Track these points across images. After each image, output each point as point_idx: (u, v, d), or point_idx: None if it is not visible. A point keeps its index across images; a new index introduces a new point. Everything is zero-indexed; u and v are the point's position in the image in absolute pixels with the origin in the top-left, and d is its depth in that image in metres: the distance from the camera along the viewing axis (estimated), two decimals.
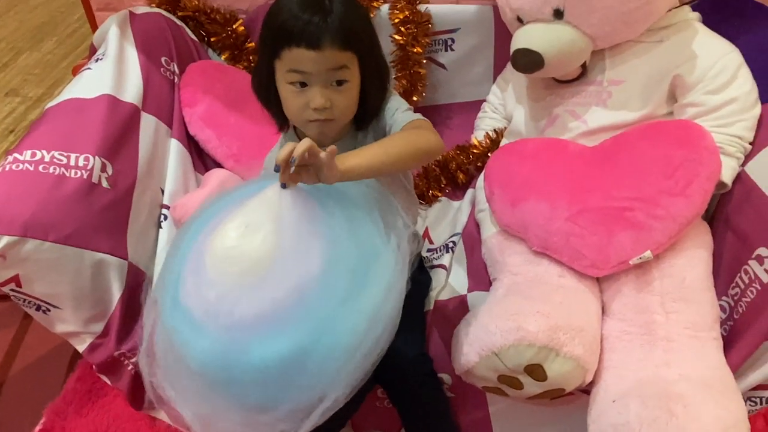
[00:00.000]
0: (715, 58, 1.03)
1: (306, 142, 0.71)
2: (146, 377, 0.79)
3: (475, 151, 1.33)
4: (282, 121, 0.95)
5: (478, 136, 1.36)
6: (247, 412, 0.73)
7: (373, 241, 0.76)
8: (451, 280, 1.14)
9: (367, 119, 0.93)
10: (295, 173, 0.72)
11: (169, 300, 0.76)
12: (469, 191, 1.31)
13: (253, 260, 0.71)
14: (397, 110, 0.91)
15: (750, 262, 0.92)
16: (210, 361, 0.72)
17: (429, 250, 1.22)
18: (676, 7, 1.10)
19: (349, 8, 0.84)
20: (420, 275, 1.10)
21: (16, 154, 0.99)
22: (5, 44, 2.71)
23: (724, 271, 0.98)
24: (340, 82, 0.85)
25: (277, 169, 0.72)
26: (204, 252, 0.73)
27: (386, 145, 0.83)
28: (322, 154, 0.72)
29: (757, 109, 1.03)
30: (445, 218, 1.31)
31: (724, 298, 0.97)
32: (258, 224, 0.73)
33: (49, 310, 1.01)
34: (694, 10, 1.12)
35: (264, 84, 0.90)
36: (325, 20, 0.81)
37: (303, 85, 0.84)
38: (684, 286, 0.93)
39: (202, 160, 1.29)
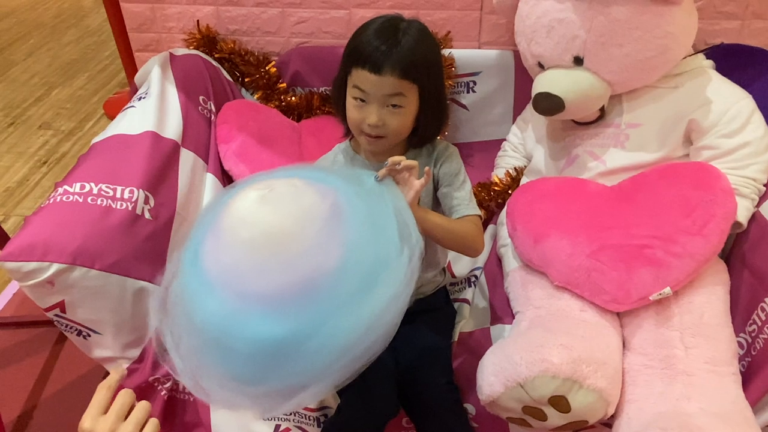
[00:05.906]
0: (728, 104, 1.08)
1: (414, 163, 0.88)
2: (153, 320, 0.79)
3: (496, 188, 1.38)
4: (348, 127, 1.03)
5: (498, 174, 1.41)
6: (231, 378, 0.74)
7: (388, 250, 0.77)
8: (474, 313, 1.17)
9: (419, 143, 1.03)
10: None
11: (191, 256, 0.77)
12: (490, 227, 1.35)
13: (267, 232, 0.71)
14: (464, 184, 1.02)
15: (766, 299, 0.95)
16: (211, 321, 0.72)
17: (451, 284, 1.26)
18: (690, 55, 1.16)
19: (419, 43, 0.93)
20: (446, 307, 1.14)
21: (66, 186, 1.04)
22: (38, 79, 2.82)
23: (742, 309, 1.00)
24: (395, 106, 0.93)
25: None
26: (223, 214, 0.74)
27: (454, 225, 0.99)
28: (417, 182, 0.89)
29: None
30: None
31: (741, 334, 0.99)
32: (281, 197, 0.73)
33: (89, 335, 1.04)
34: (707, 57, 1.17)
35: (337, 92, 1.00)
36: (391, 50, 0.90)
37: (363, 101, 0.94)
38: (703, 322, 0.95)
39: None
